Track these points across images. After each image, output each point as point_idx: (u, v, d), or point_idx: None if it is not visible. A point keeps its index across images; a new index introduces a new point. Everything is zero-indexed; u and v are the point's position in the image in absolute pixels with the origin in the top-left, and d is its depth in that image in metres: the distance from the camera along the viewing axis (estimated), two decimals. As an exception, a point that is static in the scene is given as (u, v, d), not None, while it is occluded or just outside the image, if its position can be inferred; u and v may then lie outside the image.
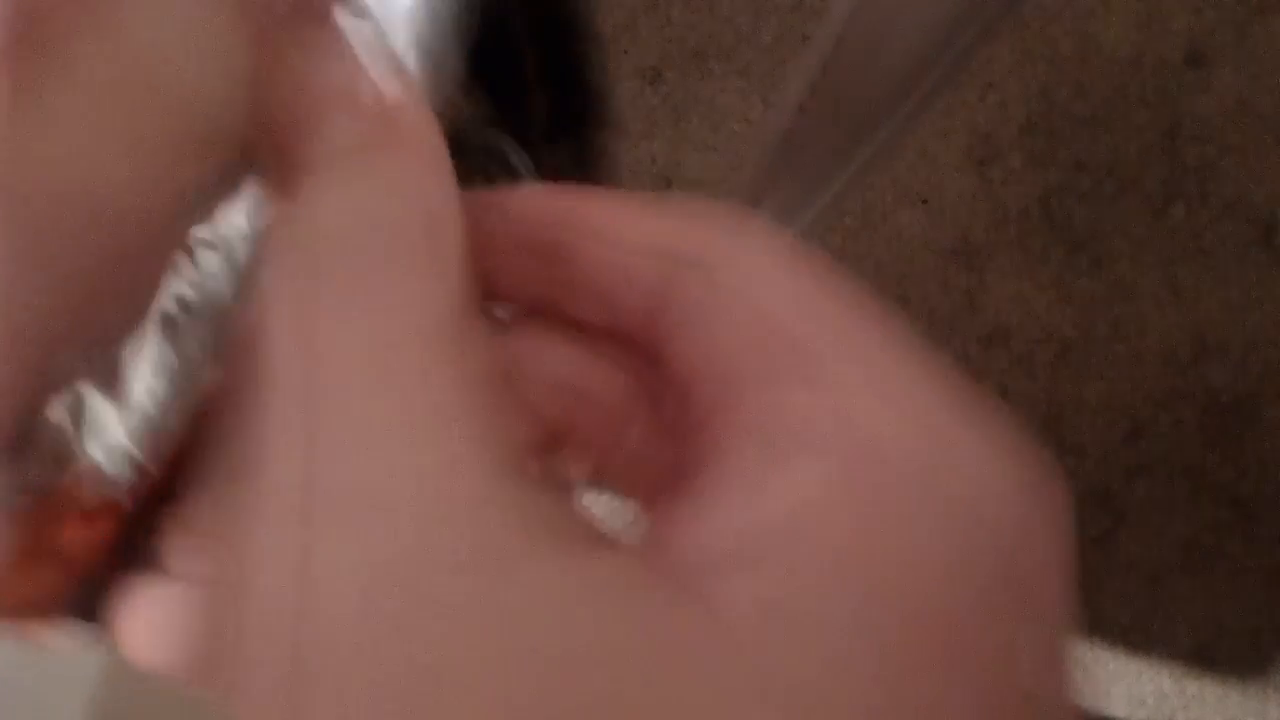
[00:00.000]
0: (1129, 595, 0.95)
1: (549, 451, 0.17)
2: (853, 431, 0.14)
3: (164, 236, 0.16)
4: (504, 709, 0.12)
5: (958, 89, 0.96)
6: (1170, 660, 0.94)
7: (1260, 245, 0.98)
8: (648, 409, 0.17)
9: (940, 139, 0.96)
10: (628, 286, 0.16)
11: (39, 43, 0.13)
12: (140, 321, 0.19)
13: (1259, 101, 0.99)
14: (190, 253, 0.22)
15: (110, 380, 0.20)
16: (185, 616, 0.17)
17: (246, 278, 0.21)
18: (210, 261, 0.21)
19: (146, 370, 0.21)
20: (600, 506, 0.15)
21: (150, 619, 0.17)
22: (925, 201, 0.95)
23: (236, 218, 0.21)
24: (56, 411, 0.19)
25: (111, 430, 0.20)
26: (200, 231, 0.21)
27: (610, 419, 0.16)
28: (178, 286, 0.21)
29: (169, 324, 0.21)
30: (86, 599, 0.21)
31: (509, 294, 0.17)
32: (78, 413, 0.19)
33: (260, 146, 0.15)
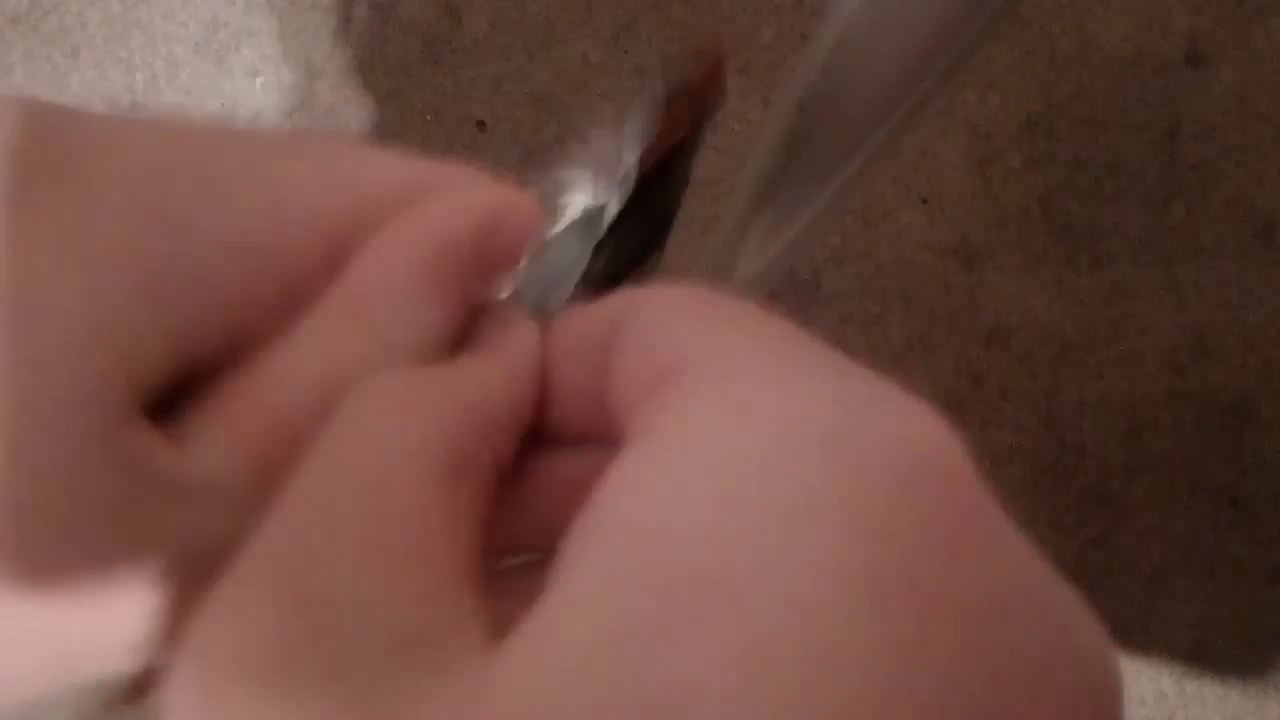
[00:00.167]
0: (1129, 595, 0.95)
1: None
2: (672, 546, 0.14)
3: None
4: None
5: (958, 89, 0.96)
6: (1170, 660, 0.94)
7: (1260, 245, 0.98)
8: None
9: (940, 139, 0.96)
10: (582, 382, 0.18)
11: None
12: None
13: (1259, 101, 0.99)
14: None
15: None
16: None
17: None
18: None
19: None
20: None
21: None
22: (925, 201, 0.95)
23: None
24: None
25: None
26: None
27: None
28: None
29: None
30: None
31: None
32: None
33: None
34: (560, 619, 0.13)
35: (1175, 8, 0.99)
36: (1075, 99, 0.98)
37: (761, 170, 0.51)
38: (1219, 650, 0.95)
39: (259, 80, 0.91)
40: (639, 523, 0.14)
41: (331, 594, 0.14)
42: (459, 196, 0.19)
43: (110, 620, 0.16)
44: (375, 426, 0.16)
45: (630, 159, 0.21)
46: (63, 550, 0.15)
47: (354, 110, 0.92)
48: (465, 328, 0.19)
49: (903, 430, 0.14)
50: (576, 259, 0.21)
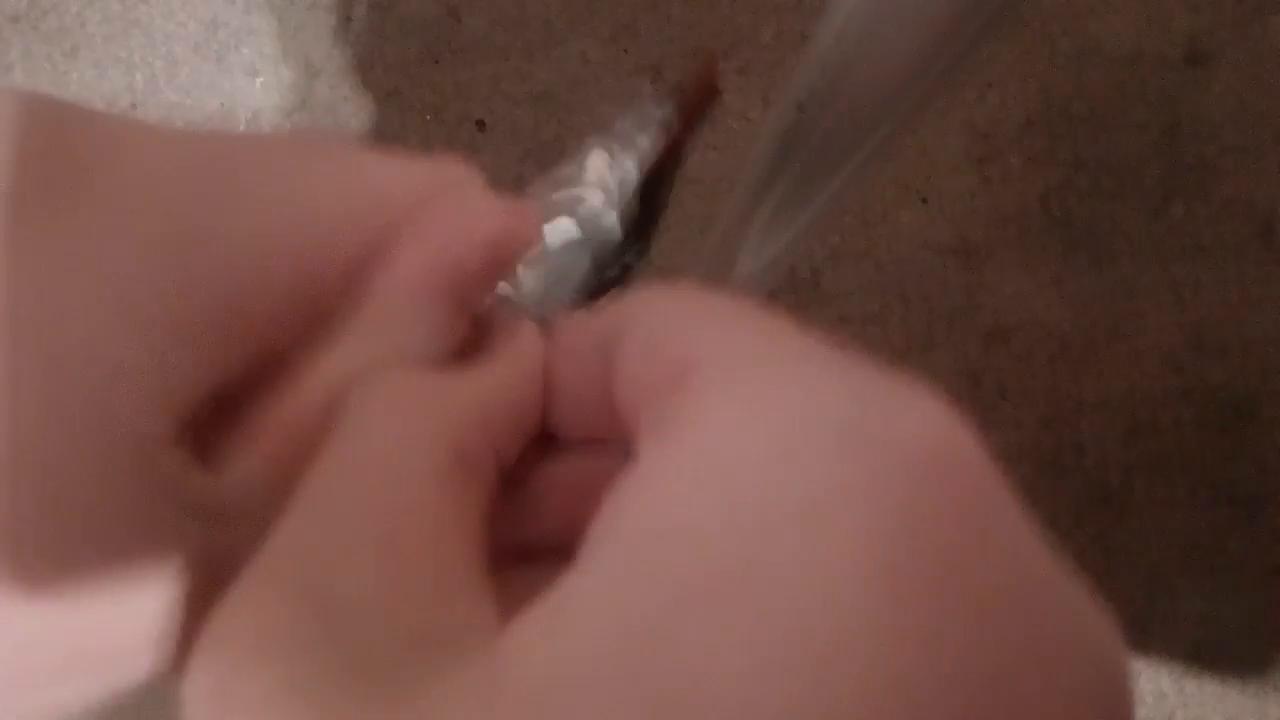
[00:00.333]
0: (1128, 594, 0.95)
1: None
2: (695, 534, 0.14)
3: None
4: None
5: (957, 89, 0.96)
6: (1170, 659, 0.94)
7: (1260, 245, 0.98)
8: None
9: (940, 139, 0.96)
10: (586, 385, 0.18)
11: None
12: None
13: (1259, 101, 0.99)
14: None
15: None
16: None
17: None
18: None
19: None
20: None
21: None
22: (925, 201, 0.95)
23: None
24: None
25: None
26: None
27: None
28: None
29: None
30: None
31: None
32: None
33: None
34: (577, 607, 0.14)
35: (1175, 8, 0.99)
36: (1075, 99, 0.98)
37: (761, 169, 0.51)
38: (1219, 650, 0.95)
39: (258, 80, 0.91)
40: (658, 518, 0.14)
41: (348, 588, 0.15)
42: (465, 217, 0.20)
43: (132, 625, 0.17)
44: (386, 424, 0.17)
45: (630, 172, 0.22)
46: (91, 561, 0.16)
47: (353, 110, 0.92)
48: (470, 334, 0.20)
49: (917, 424, 0.15)
50: (578, 268, 0.22)
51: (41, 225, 0.16)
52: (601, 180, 0.22)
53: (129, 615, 0.17)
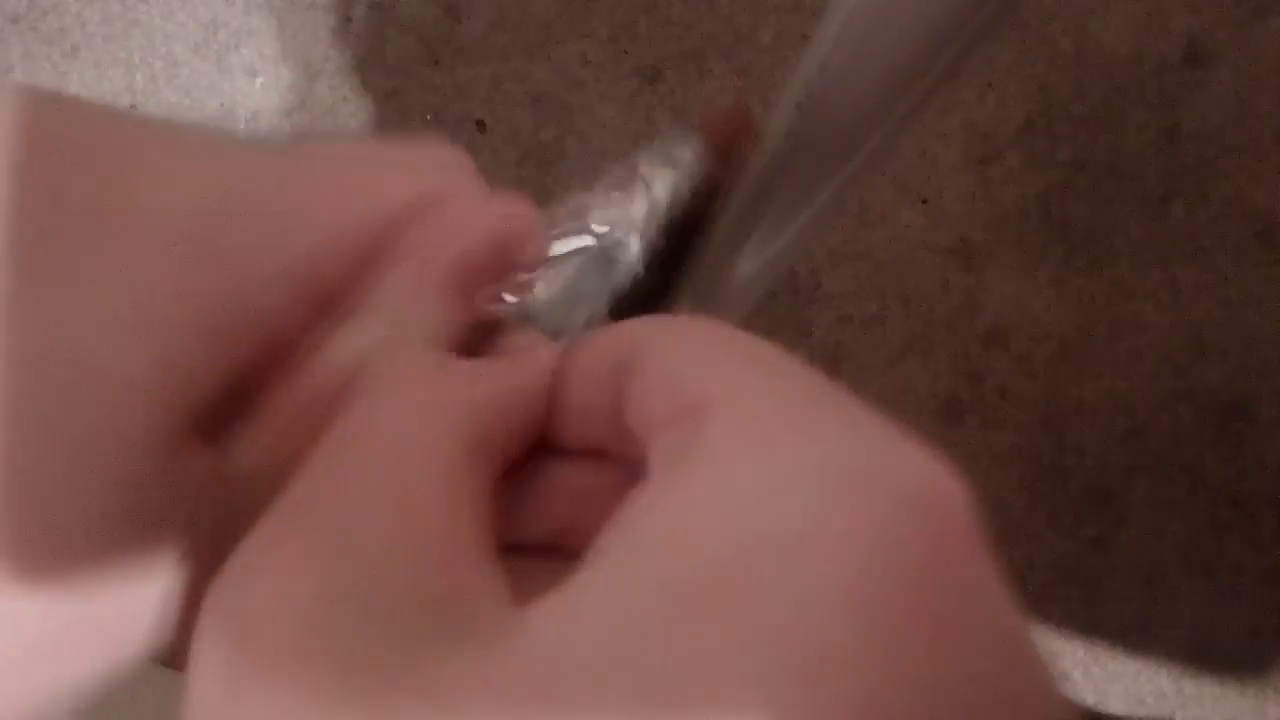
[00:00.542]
0: (1128, 595, 0.95)
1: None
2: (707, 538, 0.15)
3: None
4: None
5: (957, 89, 0.96)
6: (1169, 660, 0.94)
7: (1260, 245, 0.98)
8: None
9: (940, 139, 0.96)
10: (595, 401, 0.19)
11: None
12: None
13: (1259, 101, 0.99)
14: None
15: None
16: None
17: None
18: None
19: None
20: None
21: None
22: (925, 201, 0.95)
23: None
24: None
25: None
26: None
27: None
28: None
29: None
30: None
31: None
32: None
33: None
34: (590, 599, 0.15)
35: (1175, 8, 0.99)
36: (1075, 99, 0.98)
37: (761, 170, 0.51)
38: (1219, 650, 0.95)
39: (258, 80, 0.91)
40: (669, 533, 0.15)
41: (372, 549, 0.15)
42: (468, 214, 0.21)
43: (137, 608, 0.17)
44: (406, 397, 0.18)
45: (659, 205, 0.22)
46: (102, 549, 0.17)
47: (353, 110, 0.92)
48: (482, 344, 0.21)
49: (909, 474, 0.16)
50: (594, 288, 0.23)
51: (55, 242, 0.17)
52: (626, 210, 0.23)
53: (136, 599, 0.17)
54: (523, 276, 0.21)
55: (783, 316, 0.93)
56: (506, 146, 0.92)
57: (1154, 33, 0.99)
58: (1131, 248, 0.97)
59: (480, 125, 0.92)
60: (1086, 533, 0.95)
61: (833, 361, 0.93)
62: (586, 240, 0.22)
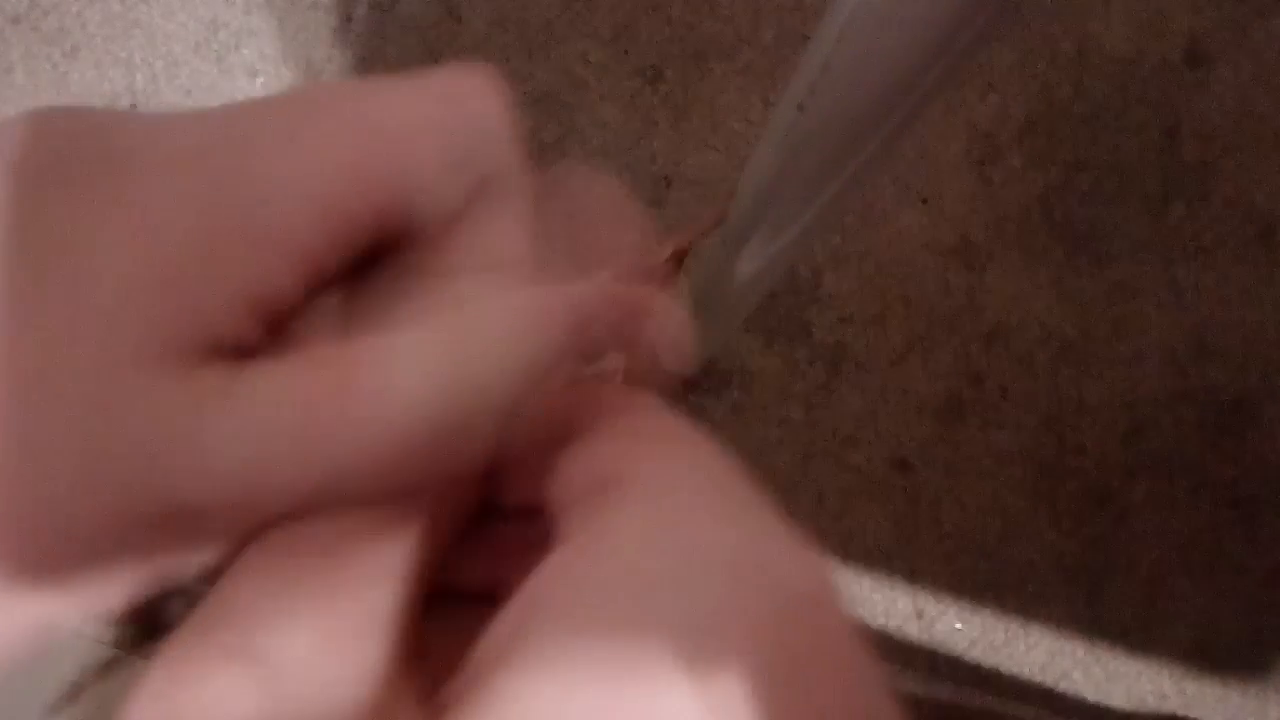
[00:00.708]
0: (1129, 595, 0.95)
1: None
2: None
3: None
4: None
5: (958, 89, 0.96)
6: (1170, 660, 0.94)
7: (1260, 245, 0.98)
8: None
9: (940, 139, 0.96)
10: (529, 470, 0.20)
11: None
12: None
13: (1259, 101, 0.99)
14: None
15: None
16: None
17: None
18: None
19: None
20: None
21: None
22: (925, 201, 0.95)
23: None
24: (176, 612, 0.19)
25: None
26: None
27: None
28: None
29: None
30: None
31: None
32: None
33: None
34: (495, 705, 0.15)
35: (1175, 8, 0.99)
36: (1075, 99, 0.98)
37: (761, 170, 0.51)
38: (1219, 650, 0.95)
39: (259, 80, 0.91)
40: (567, 618, 0.16)
41: (279, 654, 0.16)
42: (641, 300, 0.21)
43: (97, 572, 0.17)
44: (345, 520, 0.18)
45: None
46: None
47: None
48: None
49: (792, 568, 0.17)
50: None
51: (76, 191, 0.16)
52: None
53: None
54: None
55: (783, 316, 0.93)
56: (507, 146, 0.92)
57: (1154, 33, 0.99)
58: (1132, 248, 0.97)
59: (481, 125, 0.92)
60: (1087, 533, 0.95)
61: (833, 361, 0.93)
62: None
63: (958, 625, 0.92)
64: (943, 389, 0.94)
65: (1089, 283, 0.96)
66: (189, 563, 0.18)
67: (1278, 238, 0.98)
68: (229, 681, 0.15)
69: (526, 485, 0.20)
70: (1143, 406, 0.96)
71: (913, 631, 0.92)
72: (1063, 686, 0.93)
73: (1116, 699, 0.94)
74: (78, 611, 0.17)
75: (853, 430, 0.92)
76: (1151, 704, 0.94)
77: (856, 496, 0.92)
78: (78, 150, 0.17)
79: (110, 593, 0.17)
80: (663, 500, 0.18)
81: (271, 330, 0.18)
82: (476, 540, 0.21)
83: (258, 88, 0.91)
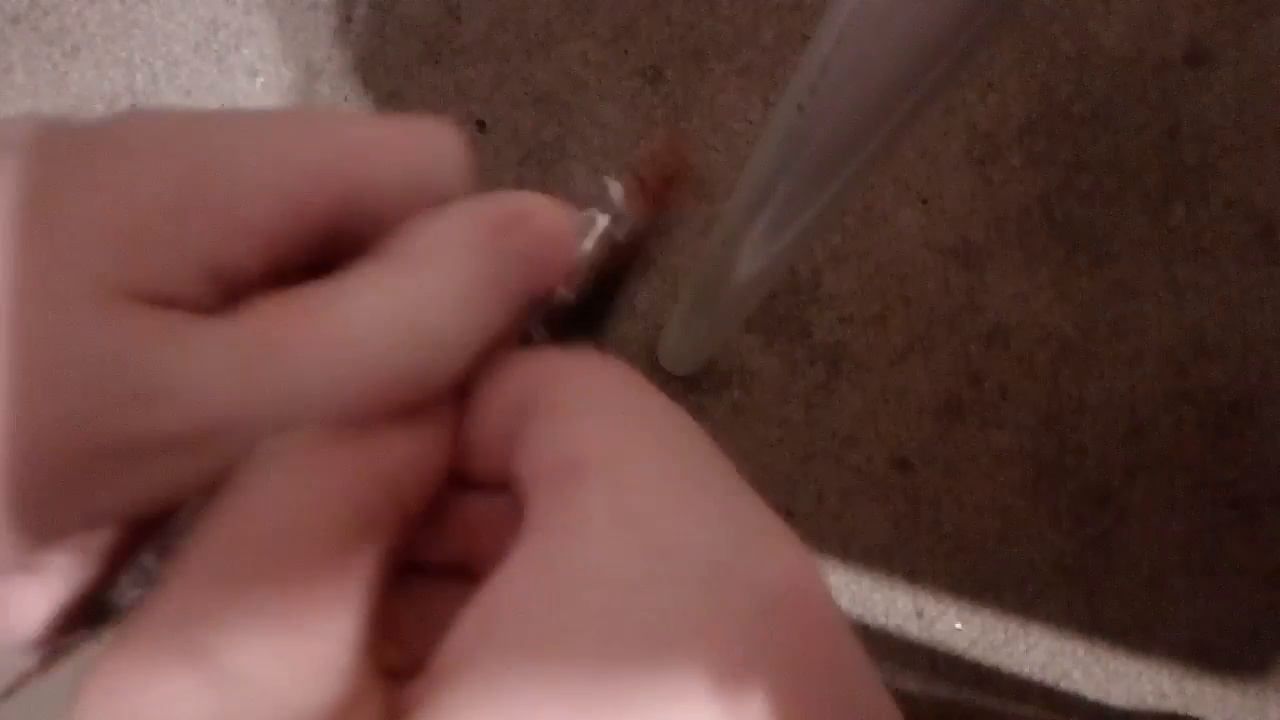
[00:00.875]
0: (1129, 595, 0.95)
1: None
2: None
3: None
4: None
5: (958, 89, 0.96)
6: (1170, 660, 0.94)
7: (1260, 245, 0.98)
8: None
9: (940, 139, 0.96)
10: (494, 442, 0.19)
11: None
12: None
13: (1259, 101, 0.99)
14: None
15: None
16: None
17: None
18: None
19: None
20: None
21: None
22: (925, 201, 0.95)
23: None
24: (127, 591, 0.19)
25: None
26: None
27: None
28: None
29: None
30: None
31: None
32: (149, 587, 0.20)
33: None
34: (460, 703, 0.15)
35: (1175, 8, 0.99)
36: (1075, 99, 0.98)
37: (762, 170, 0.51)
38: (1219, 650, 0.95)
39: (259, 80, 0.91)
40: (529, 622, 0.16)
41: (235, 661, 0.15)
42: (556, 220, 0.20)
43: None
44: (283, 482, 0.17)
45: (585, 252, 0.22)
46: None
47: (354, 110, 0.92)
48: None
49: (770, 562, 0.17)
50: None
51: (62, 165, 0.17)
52: None
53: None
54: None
55: (783, 316, 0.93)
56: (507, 146, 0.92)
57: (1154, 33, 0.99)
58: (1132, 248, 0.97)
59: (481, 125, 0.92)
60: (1087, 533, 0.95)
61: (833, 361, 0.93)
62: None
63: (957, 625, 0.92)
64: (943, 389, 0.94)
65: (1089, 283, 0.96)
66: (156, 501, 0.17)
67: (1278, 238, 0.98)
68: (184, 686, 0.15)
69: (493, 458, 0.19)
70: (1143, 406, 0.96)
71: (912, 631, 0.92)
72: (1063, 686, 0.93)
73: (1116, 698, 0.94)
74: (49, 551, 0.17)
75: (853, 430, 0.92)
76: (1151, 703, 0.94)
77: (856, 496, 0.92)
78: (73, 135, 0.18)
79: (80, 530, 0.17)
80: (630, 492, 0.17)
81: (228, 303, 0.18)
82: (445, 513, 0.20)
83: (258, 88, 0.91)
